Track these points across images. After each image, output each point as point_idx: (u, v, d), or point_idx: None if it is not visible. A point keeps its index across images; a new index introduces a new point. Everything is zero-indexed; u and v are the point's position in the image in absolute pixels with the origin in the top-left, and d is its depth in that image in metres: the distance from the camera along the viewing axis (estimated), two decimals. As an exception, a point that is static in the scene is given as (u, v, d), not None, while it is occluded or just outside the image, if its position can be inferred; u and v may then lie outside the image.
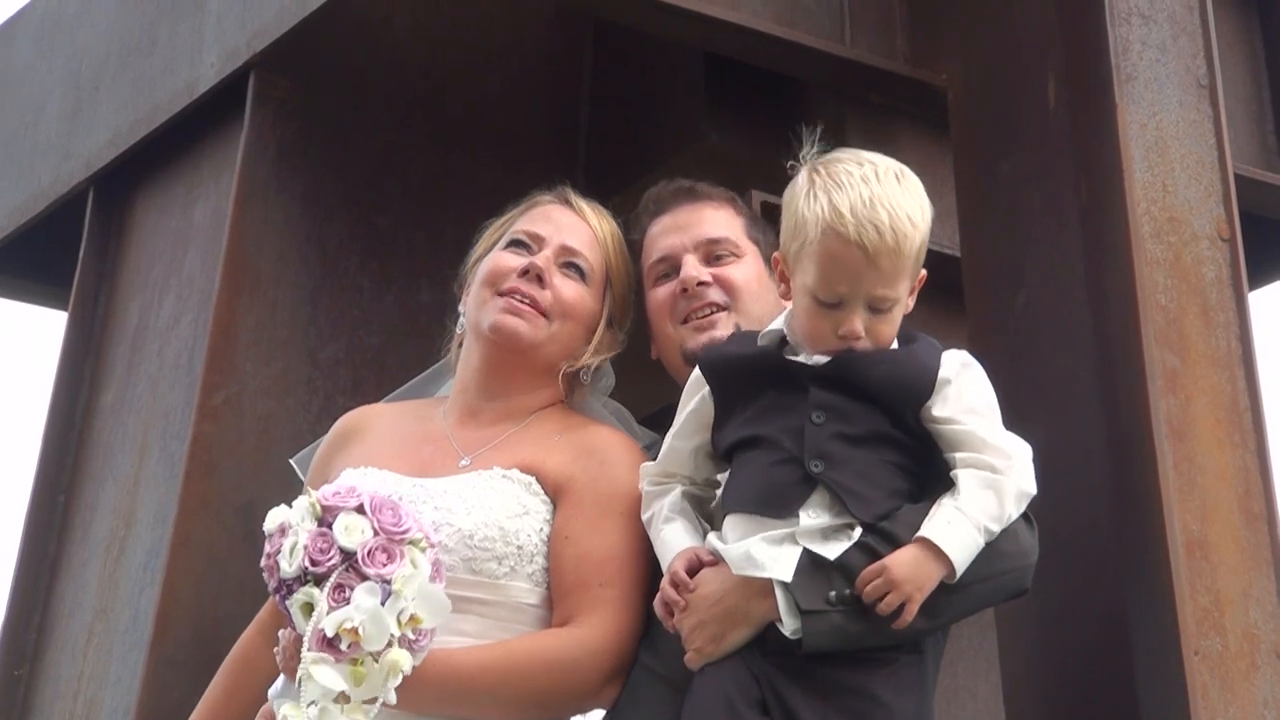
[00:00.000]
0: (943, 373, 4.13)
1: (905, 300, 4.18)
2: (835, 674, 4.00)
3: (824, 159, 4.19)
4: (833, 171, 4.14)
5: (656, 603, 4.18)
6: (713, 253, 4.67)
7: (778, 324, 4.27)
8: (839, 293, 4.08)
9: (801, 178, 4.18)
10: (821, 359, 4.16)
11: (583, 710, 4.38)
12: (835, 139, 4.31)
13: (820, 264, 4.08)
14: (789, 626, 3.97)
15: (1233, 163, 5.20)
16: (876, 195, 4.07)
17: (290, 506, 4.03)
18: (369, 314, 5.59)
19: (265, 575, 4.04)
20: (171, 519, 5.57)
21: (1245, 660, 4.66)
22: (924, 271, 4.24)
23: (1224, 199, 5.12)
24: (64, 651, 6.00)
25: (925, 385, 4.11)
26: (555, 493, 4.37)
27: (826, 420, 4.11)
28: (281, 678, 4.15)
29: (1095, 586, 4.83)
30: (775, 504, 4.08)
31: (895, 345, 4.22)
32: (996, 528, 4.01)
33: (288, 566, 3.96)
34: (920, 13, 5.99)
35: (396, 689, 3.93)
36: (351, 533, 3.95)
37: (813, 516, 4.03)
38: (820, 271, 4.09)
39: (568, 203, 4.67)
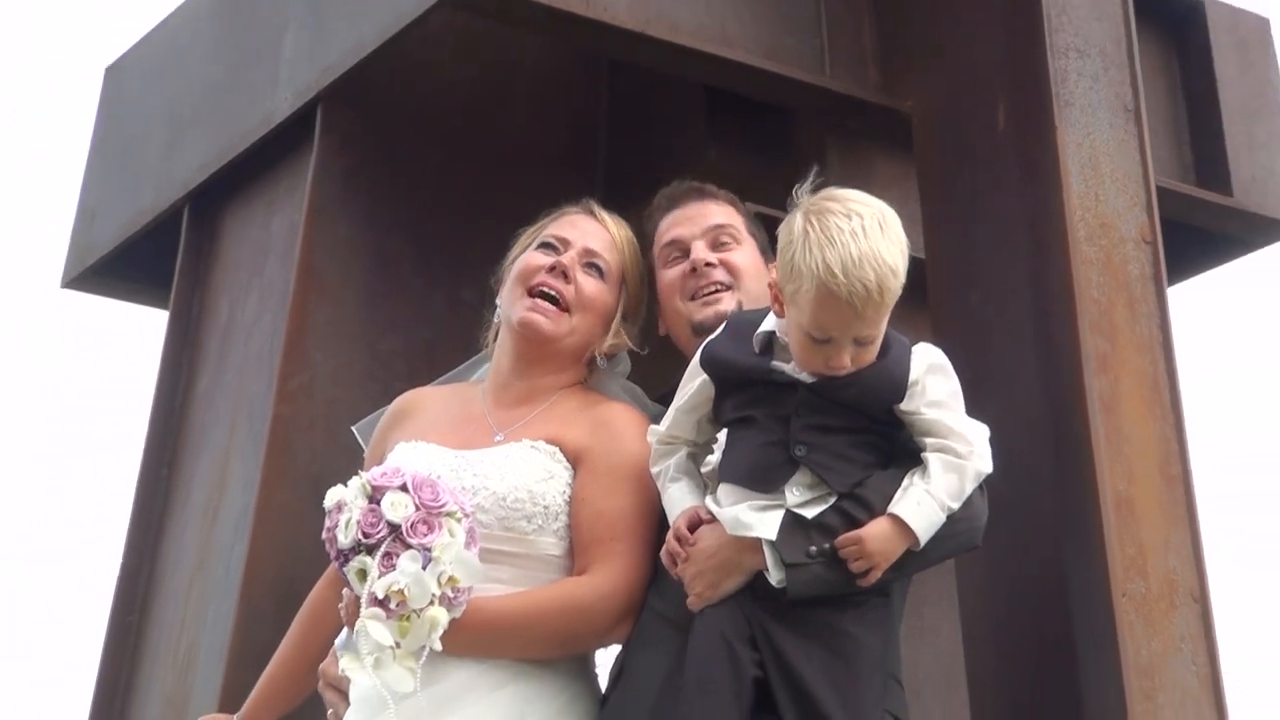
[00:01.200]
0: (912, 376, 4.13)
1: (882, 334, 4.19)
2: (814, 615, 4.01)
3: (817, 204, 4.12)
4: (825, 225, 4.07)
5: (662, 554, 4.19)
6: (718, 239, 4.67)
7: (769, 324, 4.22)
8: (829, 334, 4.06)
9: (797, 223, 4.10)
10: (809, 377, 4.15)
11: (600, 646, 4.41)
12: (817, 158, 4.42)
13: (813, 311, 4.04)
14: (774, 576, 3.98)
15: (1154, 176, 5.25)
16: (864, 253, 4.01)
17: (346, 486, 4.07)
18: (420, 312, 5.62)
19: (326, 545, 4.09)
20: (256, 487, 5.62)
21: (1165, 601, 4.71)
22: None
23: (1147, 208, 5.17)
24: (168, 600, 6.04)
25: (898, 393, 4.13)
26: (575, 460, 4.38)
27: (809, 415, 4.12)
28: (345, 629, 4.17)
29: (1038, 539, 4.87)
30: (763, 481, 4.09)
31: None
32: (957, 504, 4.04)
33: (344, 538, 4.01)
34: (889, 48, 6.00)
35: (441, 636, 3.98)
36: (396, 508, 3.99)
37: (796, 494, 4.05)
38: (813, 316, 4.05)
39: (591, 212, 4.67)
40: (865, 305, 3.99)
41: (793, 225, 4.10)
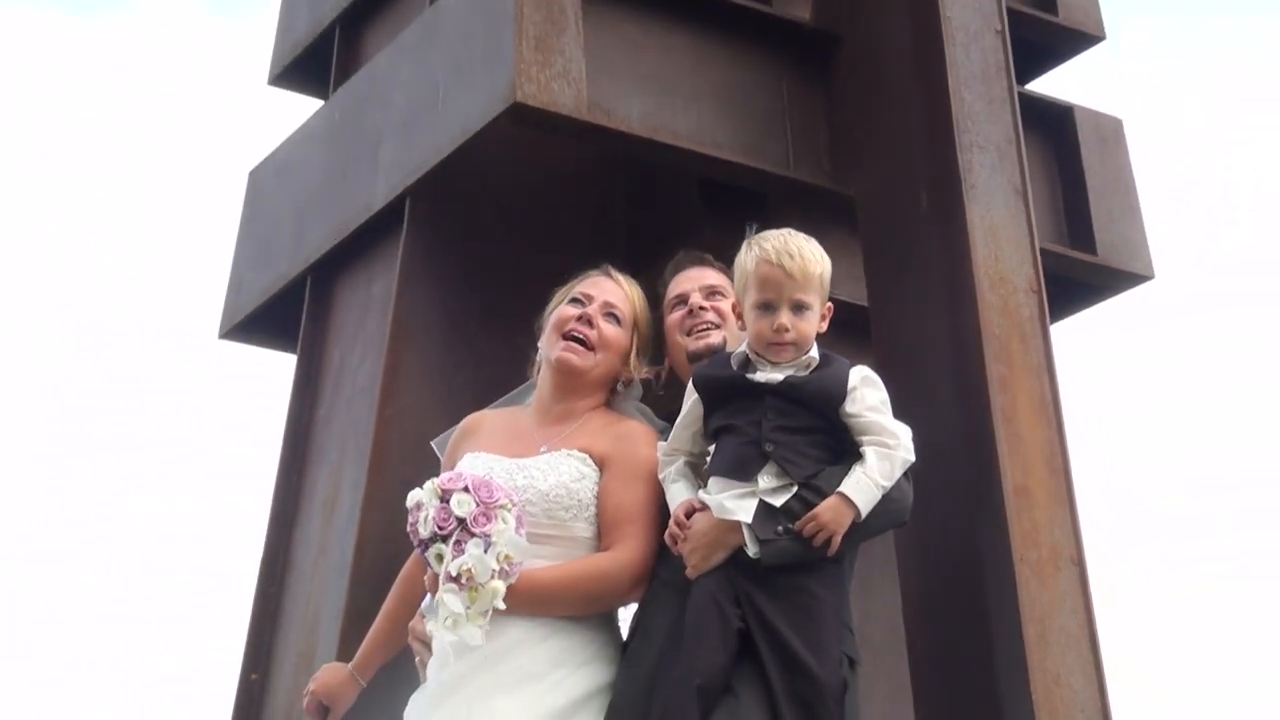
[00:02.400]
0: (851, 383, 4.16)
1: (819, 311, 4.27)
2: (784, 578, 4.03)
3: (757, 235, 4.35)
4: (760, 236, 4.31)
5: (666, 535, 4.22)
6: (710, 292, 4.68)
7: (743, 348, 4.28)
8: (769, 298, 4.18)
9: (742, 248, 4.32)
10: (775, 378, 4.19)
11: (621, 605, 4.41)
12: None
13: (757, 283, 4.21)
14: (752, 550, 4.01)
15: (1038, 241, 5.26)
16: (788, 239, 4.24)
17: (422, 489, 4.11)
18: (484, 355, 5.61)
19: (410, 536, 4.13)
20: (362, 490, 5.64)
21: (1052, 565, 4.73)
22: (830, 304, 4.31)
23: (1034, 265, 5.18)
24: (299, 577, 6.04)
25: (840, 394, 4.14)
26: (601, 464, 4.39)
27: (775, 418, 4.14)
28: (428, 596, 4.22)
29: (956, 518, 4.88)
30: (741, 471, 4.11)
31: (819, 365, 4.23)
32: (889, 484, 4.07)
33: (424, 531, 4.05)
34: (838, 148, 6.01)
35: (501, 602, 4.00)
36: (462, 505, 4.02)
37: (766, 480, 4.07)
38: (757, 286, 4.21)
39: (609, 274, 4.68)
40: (793, 269, 4.17)
41: (740, 252, 4.31)
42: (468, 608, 3.98)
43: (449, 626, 3.99)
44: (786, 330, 4.17)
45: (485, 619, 4.01)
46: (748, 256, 4.28)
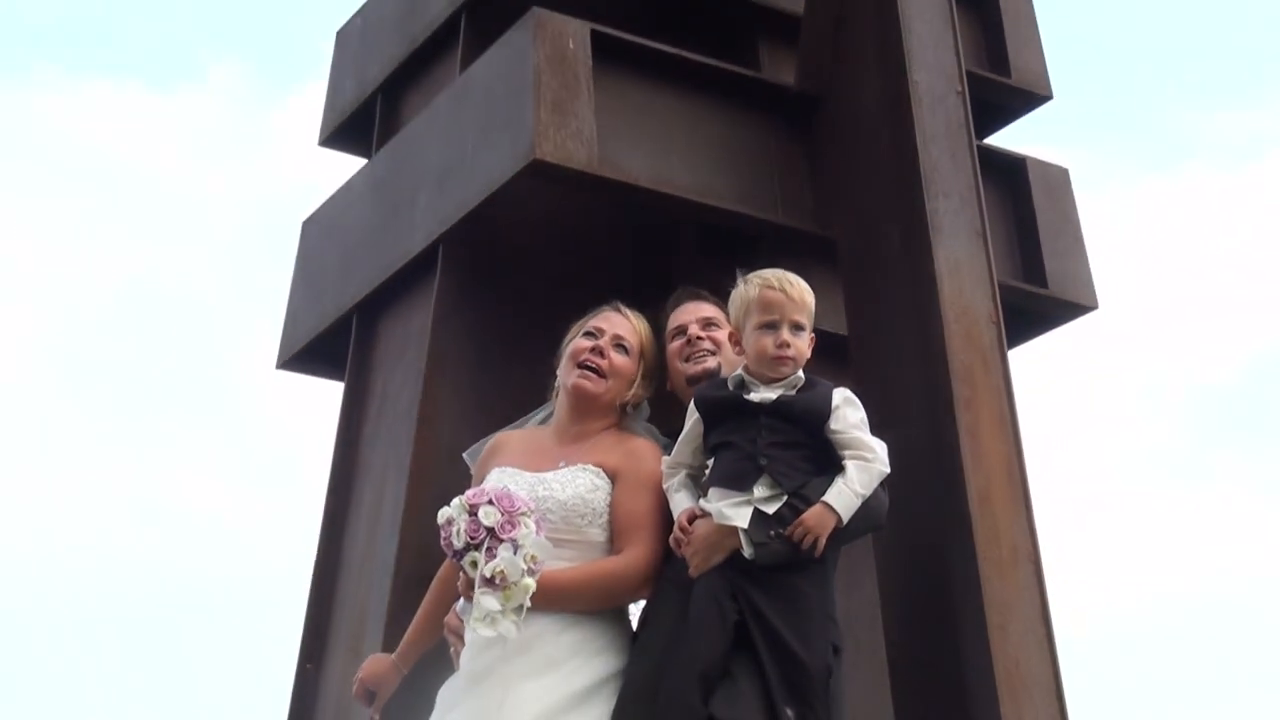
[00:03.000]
0: (834, 403, 4.18)
1: (809, 336, 4.31)
2: (775, 577, 4.04)
3: (752, 273, 4.41)
4: (757, 274, 4.36)
5: (670, 540, 4.22)
6: (706, 323, 4.67)
7: (738, 372, 4.30)
8: (773, 318, 4.22)
9: (739, 284, 4.38)
10: (769, 397, 4.20)
11: (631, 601, 4.40)
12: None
13: (760, 306, 4.25)
14: (747, 552, 4.01)
15: (996, 276, 5.27)
16: (783, 272, 4.34)
17: (450, 506, 4.11)
18: (510, 382, 5.55)
19: (444, 547, 4.12)
20: (403, 501, 5.63)
21: (1011, 562, 4.72)
22: (813, 335, 4.35)
23: (993, 298, 5.17)
24: (348, 577, 6.03)
25: (825, 412, 4.16)
26: (613, 477, 4.38)
27: (769, 435, 4.15)
28: (461, 598, 4.23)
29: (926, 522, 4.86)
30: (738, 482, 4.12)
31: (804, 387, 4.25)
32: (867, 493, 4.09)
33: (457, 543, 4.03)
34: (820, 196, 6.00)
35: (531, 598, 3.99)
36: (489, 516, 4.01)
37: (760, 490, 4.08)
38: (761, 309, 4.25)
39: (618, 309, 4.66)
40: (792, 293, 4.25)
41: (738, 286, 4.37)
42: (503, 605, 3.97)
43: (488, 623, 3.97)
44: (788, 345, 4.21)
45: (520, 614, 4.00)
46: (748, 287, 4.33)
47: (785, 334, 4.21)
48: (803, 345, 4.25)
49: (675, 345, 4.68)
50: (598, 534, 4.32)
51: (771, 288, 4.27)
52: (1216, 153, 21.56)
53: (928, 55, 5.48)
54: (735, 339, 4.38)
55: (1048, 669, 4.59)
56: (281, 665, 6.02)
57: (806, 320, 4.28)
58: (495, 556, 3.99)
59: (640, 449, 4.45)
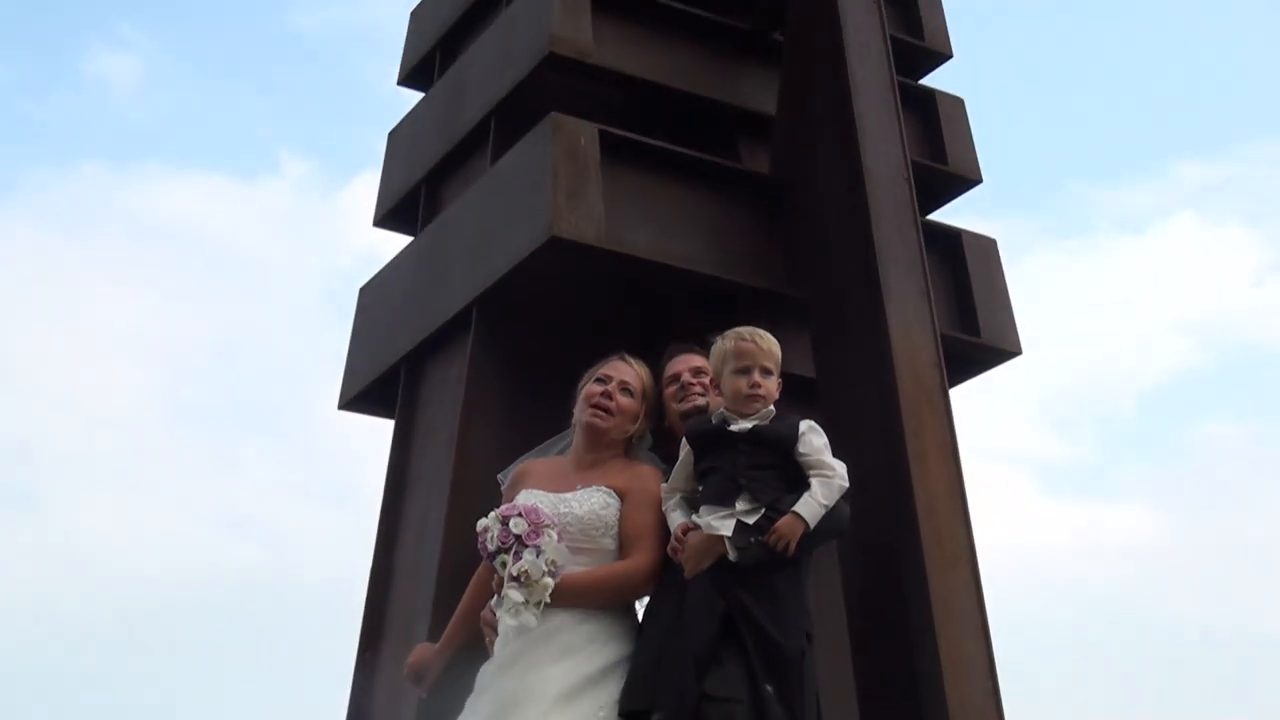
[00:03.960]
0: (801, 430, 4.18)
1: (777, 380, 4.31)
2: (756, 576, 4.04)
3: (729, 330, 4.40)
4: (732, 330, 4.36)
5: (668, 548, 4.23)
6: (696, 371, 4.67)
7: (721, 410, 4.31)
8: (746, 364, 4.24)
9: (718, 340, 4.36)
10: (745, 428, 4.21)
11: (636, 599, 4.38)
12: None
13: (735, 354, 4.27)
14: (732, 555, 4.02)
15: (939, 328, 5.25)
16: (754, 328, 4.34)
17: (487, 518, 4.11)
18: (532, 418, 5.43)
19: (480, 551, 4.12)
20: (443, 519, 5.60)
21: (953, 560, 4.74)
22: (781, 380, 4.34)
23: (936, 346, 5.16)
24: (399, 580, 5.98)
25: (793, 438, 4.16)
26: (622, 496, 4.37)
27: (747, 459, 4.16)
28: (495, 595, 4.20)
29: (882, 529, 4.86)
30: (723, 499, 4.12)
31: (776, 418, 4.26)
32: (830, 504, 4.08)
33: (491, 547, 4.06)
34: (792, 262, 5.98)
35: (550, 595, 4.00)
36: (517, 526, 4.04)
37: (741, 505, 4.08)
38: (736, 357, 4.26)
39: (624, 359, 4.65)
40: (761, 344, 4.27)
41: (717, 343, 4.36)
42: (526, 599, 3.99)
43: (513, 614, 3.99)
44: (759, 386, 4.22)
45: (539, 608, 4.01)
46: (725, 341, 4.34)
47: (756, 377, 4.24)
48: (771, 386, 4.28)
49: (671, 389, 4.69)
50: (609, 543, 4.32)
51: (744, 340, 4.30)
52: (1113, 223, 22.28)
53: (879, 148, 5.50)
54: (714, 384, 4.40)
55: (982, 650, 4.57)
56: (344, 651, 6.00)
57: (774, 366, 4.30)
58: (521, 559, 4.01)
59: (643, 473, 4.46)
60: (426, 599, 5.48)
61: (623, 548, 4.33)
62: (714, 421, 4.30)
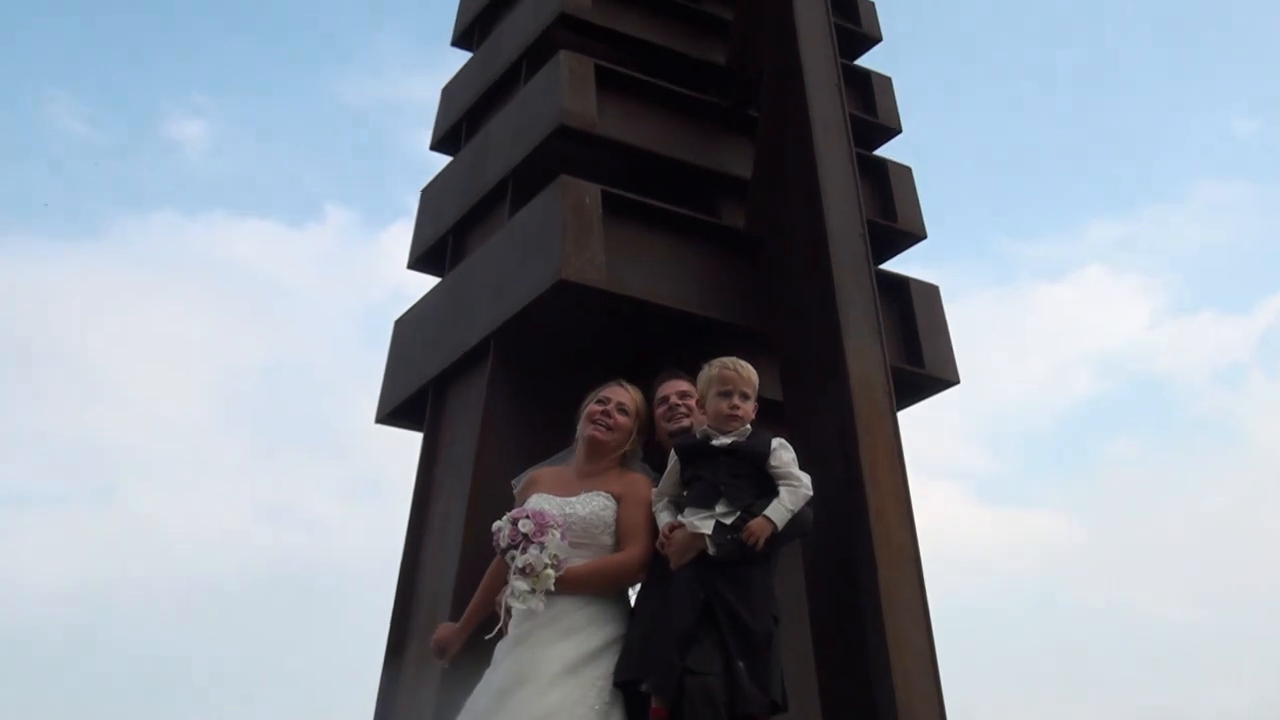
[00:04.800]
0: (772, 446, 4.18)
1: (754, 403, 4.30)
2: (731, 569, 4.04)
3: (712, 360, 4.38)
4: (716, 360, 4.36)
5: (657, 544, 4.23)
6: (682, 394, 4.66)
7: (704, 428, 4.31)
8: (727, 389, 4.24)
9: (704, 368, 4.35)
10: (725, 442, 4.21)
11: (630, 586, 4.37)
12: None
13: (718, 380, 4.27)
14: (711, 550, 4.03)
15: (889, 360, 5.22)
16: (735, 358, 4.34)
17: (500, 520, 4.13)
18: (540, 434, 5.39)
19: (494, 546, 4.14)
20: (464, 517, 5.58)
21: (899, 557, 4.69)
22: (757, 402, 4.33)
23: (886, 375, 5.12)
24: (426, 570, 5.93)
25: (765, 452, 4.16)
26: (618, 499, 4.38)
27: (726, 469, 4.17)
28: (507, 584, 4.17)
29: (839, 529, 4.81)
30: (705, 502, 4.13)
31: (751, 435, 4.25)
32: (795, 509, 4.09)
33: (503, 543, 4.08)
34: (765, 304, 5.95)
35: (553, 584, 4.03)
36: (525, 526, 4.06)
37: (720, 508, 4.09)
38: (718, 383, 4.26)
39: (621, 384, 4.67)
40: (741, 371, 4.27)
41: (703, 369, 4.36)
42: (531, 588, 4.01)
43: (520, 600, 4.02)
44: (738, 408, 4.23)
45: (542, 595, 4.03)
46: (710, 369, 4.35)
47: (736, 400, 4.26)
48: (748, 408, 4.29)
49: (660, 410, 4.69)
50: (607, 540, 4.32)
51: (728, 369, 4.32)
52: (1035, 273, 22.72)
53: (839, 208, 5.49)
54: (699, 404, 4.41)
55: (923, 634, 4.56)
56: (378, 630, 5.98)
57: (751, 391, 4.32)
58: (527, 554, 4.04)
59: (637, 480, 4.47)
60: (448, 586, 5.46)
61: (618, 543, 4.33)
62: (698, 437, 4.31)
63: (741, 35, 6.86)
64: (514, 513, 4.17)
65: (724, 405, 4.27)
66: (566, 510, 4.30)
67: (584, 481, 4.47)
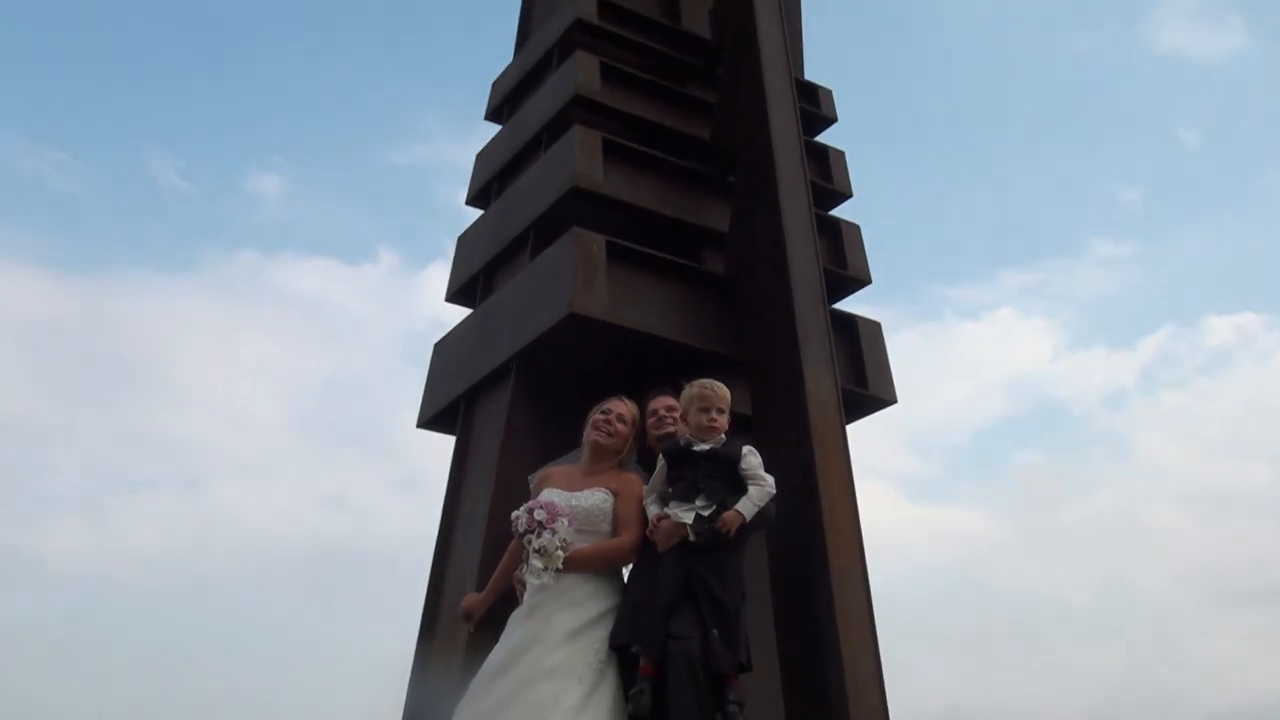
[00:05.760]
0: (743, 452, 4.20)
1: (728, 416, 4.28)
2: (709, 553, 4.06)
3: (694, 381, 4.37)
4: (696, 381, 4.34)
5: (647, 531, 4.23)
6: (669, 408, 4.65)
7: (686, 436, 4.31)
8: (706, 404, 4.22)
9: (686, 387, 4.34)
10: (704, 448, 4.22)
11: (624, 565, 4.35)
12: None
13: (698, 398, 4.24)
14: (691, 537, 4.05)
15: (840, 382, 5.18)
16: (712, 380, 4.31)
17: (518, 510, 4.13)
18: (553, 439, 5.43)
19: (512, 531, 4.13)
20: (488, 507, 5.56)
21: (847, 544, 4.67)
22: (730, 416, 4.32)
23: (837, 395, 5.11)
24: (455, 554, 5.89)
25: (737, 457, 4.17)
26: (615, 494, 4.37)
27: (705, 471, 4.18)
28: (523, 563, 4.19)
29: (797, 522, 4.77)
30: (687, 498, 4.14)
31: (725, 443, 4.25)
32: (761, 504, 4.09)
33: (520, 529, 4.08)
34: (737, 334, 5.90)
35: (561, 563, 4.03)
36: (539, 515, 4.06)
37: (700, 502, 4.11)
38: (699, 399, 4.24)
39: (620, 398, 4.66)
40: (717, 391, 4.23)
41: (685, 388, 4.33)
42: (545, 566, 4.03)
43: (535, 575, 4.03)
44: (715, 420, 4.24)
45: (553, 572, 4.05)
46: (691, 388, 4.36)
47: (713, 414, 4.28)
48: (724, 421, 4.31)
49: (651, 421, 4.70)
50: (606, 527, 4.33)
51: (706, 388, 4.33)
52: (957, 313, 23.18)
53: (800, 257, 5.49)
54: (683, 417, 4.42)
55: (865, 607, 4.55)
56: (414, 601, 5.95)
57: (726, 407, 4.33)
58: (541, 538, 4.06)
59: (631, 479, 4.48)
60: (474, 563, 5.45)
61: (615, 530, 4.35)
62: (682, 443, 4.34)
63: (723, 113, 6.88)
64: (530, 503, 4.18)
65: (703, 418, 4.29)
66: (573, 502, 4.31)
67: (588, 479, 4.47)
